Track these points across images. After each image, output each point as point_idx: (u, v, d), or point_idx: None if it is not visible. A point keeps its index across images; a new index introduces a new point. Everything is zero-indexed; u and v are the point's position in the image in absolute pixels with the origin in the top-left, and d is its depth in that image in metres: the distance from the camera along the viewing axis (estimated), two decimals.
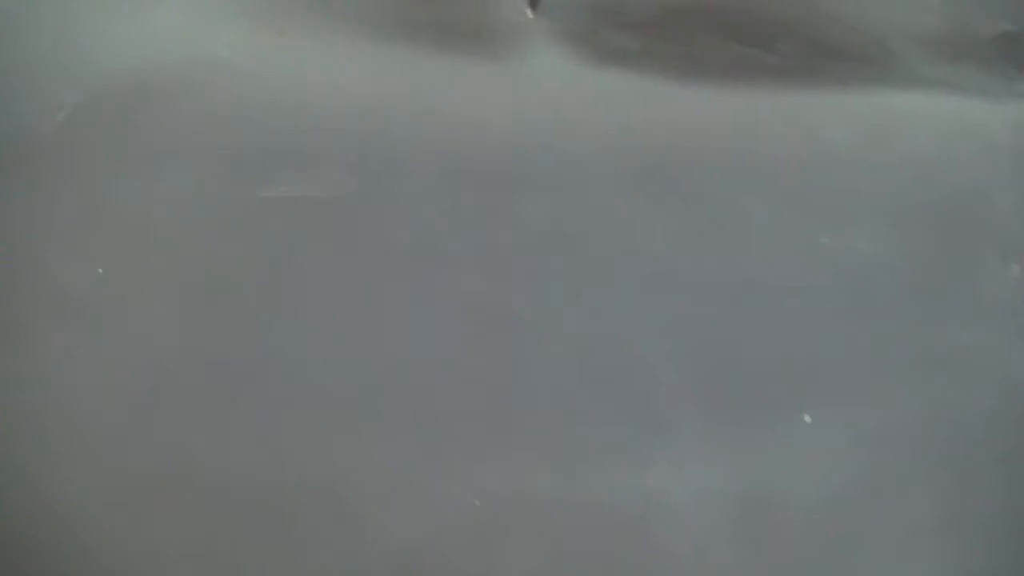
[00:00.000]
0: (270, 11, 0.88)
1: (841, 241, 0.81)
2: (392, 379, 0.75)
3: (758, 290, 0.78)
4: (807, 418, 0.72)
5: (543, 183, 0.80)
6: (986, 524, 0.73)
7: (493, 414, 0.73)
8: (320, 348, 0.77)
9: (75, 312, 0.77)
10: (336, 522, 0.72)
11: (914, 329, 0.78)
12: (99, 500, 0.73)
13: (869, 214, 0.82)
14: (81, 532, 0.73)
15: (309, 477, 0.72)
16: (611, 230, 0.79)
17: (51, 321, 0.77)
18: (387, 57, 0.87)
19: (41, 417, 0.76)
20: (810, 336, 0.77)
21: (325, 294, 0.78)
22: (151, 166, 0.81)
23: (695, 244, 0.79)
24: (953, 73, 0.88)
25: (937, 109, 0.87)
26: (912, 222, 0.82)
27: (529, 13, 0.90)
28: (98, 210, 0.80)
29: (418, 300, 0.77)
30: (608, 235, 0.79)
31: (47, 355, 0.76)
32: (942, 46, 0.89)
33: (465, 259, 0.78)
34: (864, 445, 0.74)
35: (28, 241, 0.79)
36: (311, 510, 0.72)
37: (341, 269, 0.78)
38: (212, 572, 0.73)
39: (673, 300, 0.77)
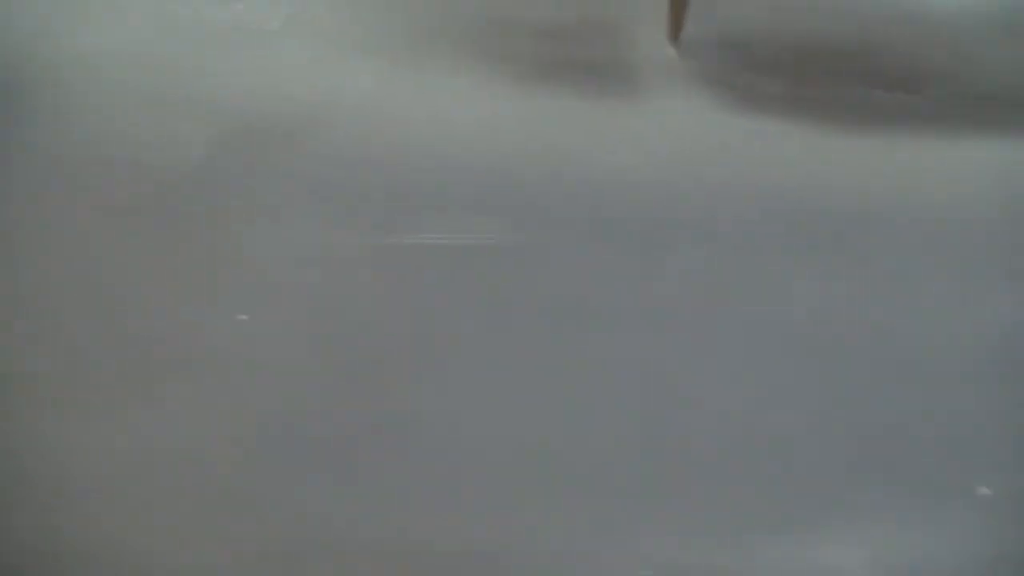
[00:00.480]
0: (408, 49, 0.86)
1: (996, 301, 0.79)
2: (544, 440, 0.73)
3: (912, 354, 0.77)
4: (985, 491, 0.70)
5: (693, 235, 0.78)
6: None
7: (652, 480, 0.71)
8: (467, 405, 0.75)
9: (214, 358, 0.76)
10: None
11: None
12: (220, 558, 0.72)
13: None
14: None
15: (467, 547, 0.70)
16: (762, 288, 0.76)
17: (190, 367, 0.76)
18: (527, 97, 0.85)
19: (171, 464, 0.74)
20: (970, 402, 0.75)
21: (471, 348, 0.76)
22: (289, 207, 0.80)
23: (847, 305, 0.77)
24: None
25: None
26: None
27: (671, 48, 0.88)
28: (237, 252, 0.79)
29: (569, 358, 0.75)
30: (758, 293, 0.76)
31: (185, 400, 0.75)
32: None
33: (616, 315, 0.76)
34: None
35: (166, 283, 0.78)
36: None
37: (489, 321, 0.76)
38: None
39: (827, 365, 0.75)
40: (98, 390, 0.75)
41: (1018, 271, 0.78)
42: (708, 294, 0.76)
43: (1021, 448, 0.72)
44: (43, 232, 0.79)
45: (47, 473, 0.72)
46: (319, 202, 0.79)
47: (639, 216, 0.78)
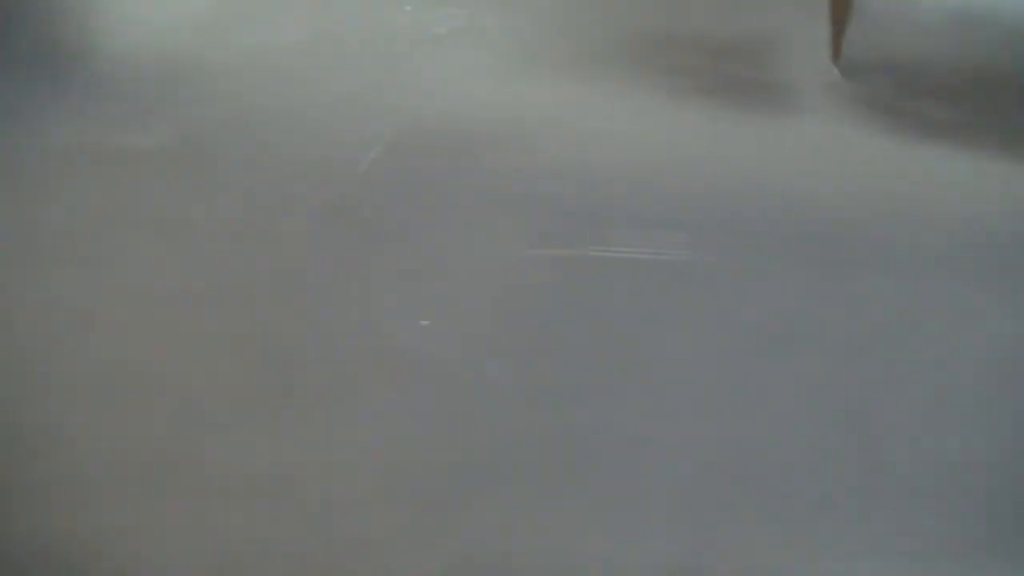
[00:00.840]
0: (577, 61, 0.86)
1: None
2: (732, 459, 0.73)
3: None
4: None
5: (879, 260, 0.78)
6: None
7: (845, 500, 0.71)
8: (651, 422, 0.74)
9: (399, 367, 0.76)
10: None
11: None
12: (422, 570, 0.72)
13: None
14: None
15: (655, 565, 0.70)
16: (952, 320, 0.76)
17: (377, 376, 0.76)
18: (698, 113, 0.84)
19: (358, 472, 0.74)
20: None
21: (658, 363, 0.75)
22: (473, 216, 0.79)
23: None
24: None
25: None
26: None
27: (835, 70, 0.88)
28: (419, 257, 0.79)
29: (760, 377, 0.75)
30: (949, 326, 0.75)
31: (377, 410, 0.75)
32: None
33: (807, 337, 0.75)
34: None
35: (354, 287, 0.78)
36: None
37: (677, 337, 0.76)
38: None
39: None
40: (291, 395, 0.75)
41: None
42: (900, 321, 0.76)
43: None
44: (227, 231, 0.80)
45: (251, 480, 0.72)
46: (502, 213, 0.78)
47: (824, 237, 0.78)
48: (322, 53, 0.85)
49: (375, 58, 0.84)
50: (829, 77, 0.86)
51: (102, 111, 0.84)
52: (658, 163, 0.80)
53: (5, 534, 0.73)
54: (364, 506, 0.71)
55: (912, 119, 0.84)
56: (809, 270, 0.78)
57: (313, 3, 0.89)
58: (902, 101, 0.85)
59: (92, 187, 0.82)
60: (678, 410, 0.73)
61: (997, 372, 0.74)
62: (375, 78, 0.83)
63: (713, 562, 0.68)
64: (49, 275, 0.79)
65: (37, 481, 0.75)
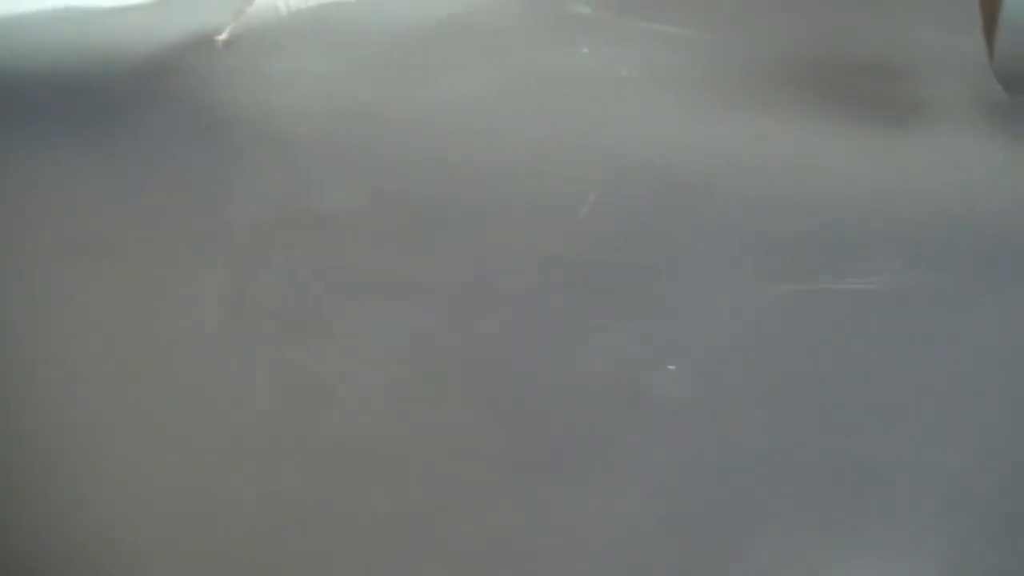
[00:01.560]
0: (757, 92, 0.86)
1: None
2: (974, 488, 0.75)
3: None
4: None
5: None
6: None
7: None
8: (896, 454, 0.75)
9: (653, 416, 0.75)
10: None
11: None
12: None
13: None
14: None
15: None
16: None
17: (632, 427, 0.75)
18: (882, 137, 0.85)
19: (629, 531, 0.74)
20: None
21: (897, 395, 0.77)
22: (696, 253, 0.79)
23: None
24: None
25: None
26: None
27: (1000, 90, 0.89)
28: (655, 301, 0.78)
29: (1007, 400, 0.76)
30: None
31: (638, 461, 0.74)
32: None
33: None
34: None
35: (589, 336, 0.77)
36: None
37: (918, 367, 0.77)
38: None
39: None
40: (549, 455, 0.74)
41: None
42: None
43: None
44: (450, 290, 0.78)
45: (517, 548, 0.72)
46: (728, 250, 0.78)
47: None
48: (510, 101, 0.84)
49: (565, 103, 0.83)
50: (994, 94, 0.87)
51: (292, 174, 0.82)
52: (866, 188, 0.81)
53: None
54: (647, 555, 0.71)
55: None
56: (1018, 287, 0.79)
57: (484, 50, 0.88)
58: None
59: (300, 256, 0.80)
60: (932, 433, 0.74)
61: None
62: (571, 123, 0.82)
63: None
64: (281, 348, 0.77)
65: (294, 555, 0.73)
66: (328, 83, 0.85)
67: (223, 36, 0.89)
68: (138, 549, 0.74)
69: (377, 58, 0.87)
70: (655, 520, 0.72)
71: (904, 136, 0.84)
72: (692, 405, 0.74)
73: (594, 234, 0.79)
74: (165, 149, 0.85)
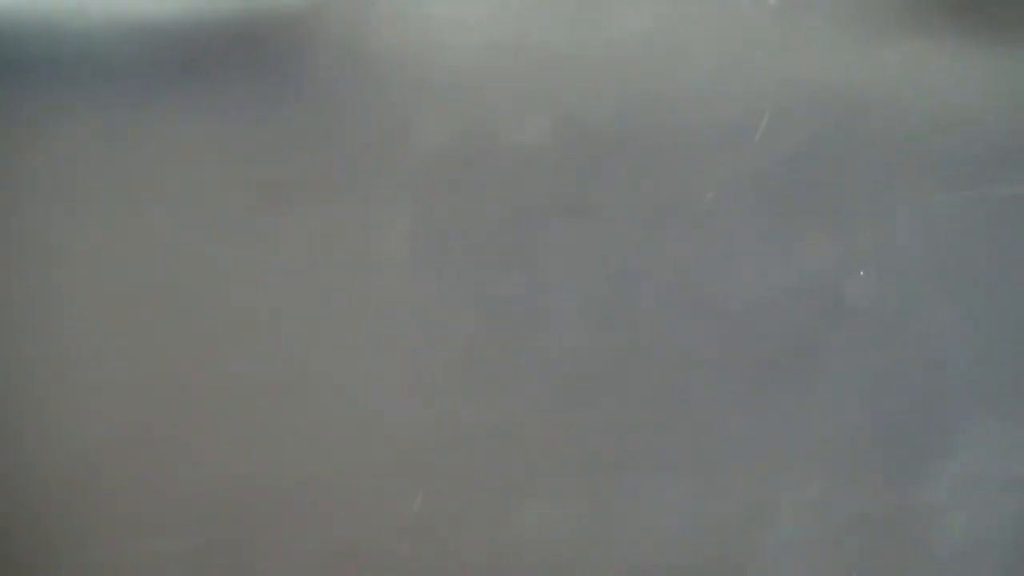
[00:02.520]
0: (906, 16, 0.90)
1: None
2: None
3: None
4: None
5: None
6: None
7: None
8: None
9: (853, 323, 0.79)
10: None
11: None
12: None
13: None
14: None
15: None
16: None
17: (837, 336, 0.79)
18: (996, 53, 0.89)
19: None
20: None
21: None
22: (876, 168, 0.83)
23: None
24: None
25: None
26: None
27: None
28: (843, 212, 0.82)
29: None
30: None
31: (843, 368, 0.78)
32: None
33: None
34: None
35: (789, 247, 0.81)
36: None
37: None
38: None
39: None
40: (750, 360, 0.78)
41: None
42: None
43: None
44: (641, 215, 0.81)
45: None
46: (904, 165, 0.82)
47: None
48: (676, 33, 0.86)
49: (727, 33, 0.87)
50: None
51: (471, 109, 0.85)
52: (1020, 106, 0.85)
53: None
54: (864, 456, 0.75)
55: None
56: None
57: None
58: None
59: (487, 184, 0.82)
60: None
61: None
62: (735, 51, 0.86)
63: None
64: (473, 272, 0.80)
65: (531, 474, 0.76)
66: (497, 24, 0.88)
67: None
68: None
69: (520, 6, 0.90)
70: (869, 421, 0.76)
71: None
72: (884, 310, 0.78)
73: (770, 154, 0.82)
74: (333, 92, 0.87)
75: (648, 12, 0.88)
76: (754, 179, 0.82)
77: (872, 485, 0.76)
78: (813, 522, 0.75)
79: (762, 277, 0.79)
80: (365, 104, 0.86)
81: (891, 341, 0.77)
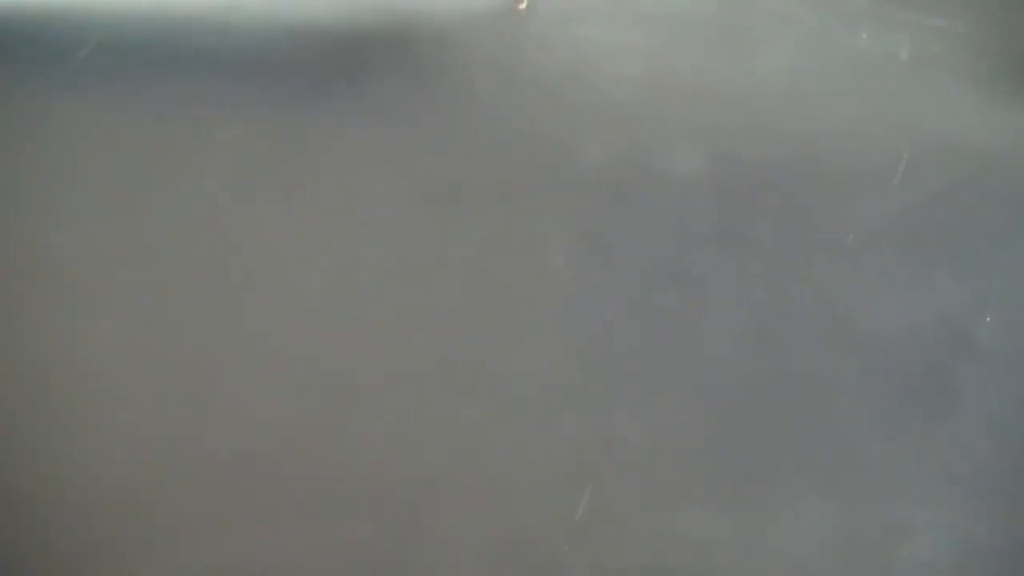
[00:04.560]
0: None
1: None
2: None
3: None
4: None
5: None
6: None
7: None
8: None
9: (983, 357, 0.85)
10: None
11: None
12: None
13: None
14: None
15: None
16: None
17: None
18: None
19: None
20: None
21: None
22: (1005, 218, 0.89)
23: None
24: None
25: None
26: None
27: None
28: (963, 256, 0.88)
29: None
30: None
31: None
32: None
33: None
34: None
35: (929, 286, 0.86)
36: None
37: None
38: None
39: None
40: (886, 385, 0.83)
41: None
42: None
43: None
44: (790, 247, 0.86)
45: None
46: None
47: None
48: (815, 76, 0.92)
49: (862, 80, 0.92)
50: None
51: (627, 134, 0.89)
52: None
53: None
54: (991, 483, 0.80)
55: None
56: None
57: (782, 30, 0.95)
58: None
59: (644, 207, 0.87)
60: None
61: None
62: (873, 98, 0.91)
63: None
64: (637, 291, 0.84)
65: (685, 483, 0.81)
66: (649, 54, 0.92)
67: (523, 4, 0.94)
68: None
69: (686, 33, 0.94)
70: (999, 451, 0.81)
71: None
72: (1013, 348, 0.83)
73: (908, 197, 0.87)
74: (490, 107, 0.91)
75: (791, 53, 0.93)
76: (893, 219, 0.87)
77: (1002, 513, 0.81)
78: (945, 546, 0.80)
79: (900, 310, 0.84)
80: (521, 122, 0.90)
81: (1020, 378, 0.83)
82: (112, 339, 0.85)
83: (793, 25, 0.95)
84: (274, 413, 0.82)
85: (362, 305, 0.85)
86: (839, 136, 0.89)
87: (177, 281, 0.87)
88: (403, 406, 0.83)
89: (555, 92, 0.91)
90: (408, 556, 0.80)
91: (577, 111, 0.90)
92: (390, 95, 0.91)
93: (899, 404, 0.82)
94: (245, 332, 0.84)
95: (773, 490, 0.81)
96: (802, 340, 0.84)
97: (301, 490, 0.81)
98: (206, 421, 0.83)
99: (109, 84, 0.91)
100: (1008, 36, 0.98)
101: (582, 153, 0.88)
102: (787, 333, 0.84)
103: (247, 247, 0.87)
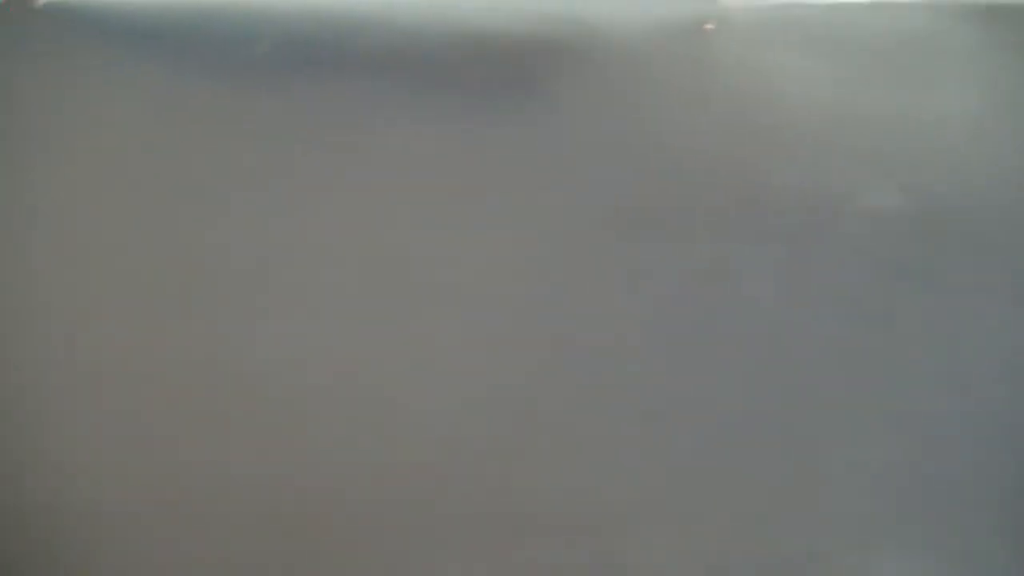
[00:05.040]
0: None
1: None
2: None
3: None
4: None
5: None
6: None
7: None
8: None
9: None
10: None
11: None
12: None
13: None
14: None
15: None
16: None
17: None
18: None
19: None
20: None
21: None
22: None
23: None
24: None
25: None
26: None
27: None
28: None
29: None
30: None
31: None
32: None
33: None
34: None
35: None
36: None
37: None
38: None
39: None
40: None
41: None
42: None
43: None
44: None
45: None
46: None
47: None
48: (990, 116, 0.90)
49: None
50: None
51: (817, 163, 0.88)
52: None
53: None
54: None
55: None
56: None
57: (951, 67, 0.93)
58: None
59: (830, 239, 0.85)
60: None
61: None
62: None
63: None
64: (836, 326, 0.82)
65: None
66: (835, 81, 0.90)
67: (710, 24, 0.93)
68: None
69: (866, 64, 0.92)
70: None
71: None
72: None
73: None
74: (666, 127, 0.89)
75: (960, 91, 0.91)
76: None
77: None
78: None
79: None
80: (704, 144, 0.88)
81: None
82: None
83: (960, 59, 0.93)
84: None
85: (534, 327, 0.84)
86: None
87: (335, 286, 0.86)
88: (585, 433, 0.81)
89: (740, 115, 0.89)
90: None
91: (762, 136, 0.88)
92: (570, 110, 0.89)
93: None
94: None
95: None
96: (998, 392, 0.82)
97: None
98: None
99: (281, 83, 0.91)
100: None
101: (767, 179, 0.87)
102: (989, 385, 0.82)
103: (419, 254, 0.86)
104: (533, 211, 0.86)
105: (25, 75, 0.91)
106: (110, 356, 0.85)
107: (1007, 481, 0.79)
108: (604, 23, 0.93)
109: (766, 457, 0.80)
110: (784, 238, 0.85)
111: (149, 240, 0.87)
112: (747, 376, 0.82)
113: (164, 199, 0.89)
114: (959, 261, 0.85)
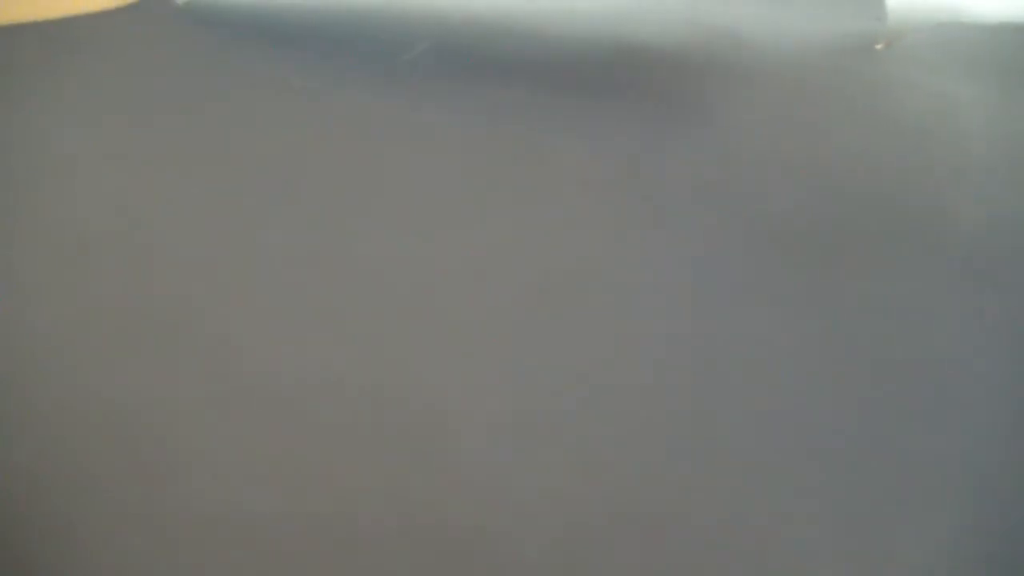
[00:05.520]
0: None
1: None
2: None
3: None
4: None
5: None
6: None
7: None
8: None
9: None
10: None
11: None
12: None
13: None
14: None
15: None
16: None
17: None
18: None
19: None
20: None
21: None
22: None
23: None
24: None
25: None
26: None
27: None
28: None
29: None
30: None
31: None
32: None
33: None
34: None
35: None
36: None
37: None
38: None
39: None
40: None
41: None
42: None
43: None
44: None
45: None
46: None
47: None
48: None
49: None
50: None
51: (981, 192, 0.84)
52: None
53: None
54: None
55: None
56: None
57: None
58: None
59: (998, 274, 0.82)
60: None
61: None
62: None
63: None
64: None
65: None
66: (997, 104, 0.87)
67: (881, 44, 0.90)
68: None
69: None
70: None
71: None
72: None
73: None
74: (827, 147, 0.86)
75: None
76: None
77: None
78: None
79: None
80: (865, 168, 0.85)
81: None
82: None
83: None
84: None
85: (685, 343, 0.81)
86: None
87: (497, 298, 0.83)
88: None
89: (902, 140, 0.86)
90: None
91: (925, 163, 0.85)
92: (736, 128, 0.86)
93: None
94: None
95: None
96: None
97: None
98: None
99: (428, 90, 0.89)
100: None
101: (930, 206, 0.83)
102: None
103: (582, 265, 0.83)
104: (691, 226, 0.83)
105: (164, 73, 0.90)
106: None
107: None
108: (774, 41, 0.90)
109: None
110: (949, 263, 0.81)
111: (292, 240, 0.85)
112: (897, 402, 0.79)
113: (303, 200, 0.87)
114: None
